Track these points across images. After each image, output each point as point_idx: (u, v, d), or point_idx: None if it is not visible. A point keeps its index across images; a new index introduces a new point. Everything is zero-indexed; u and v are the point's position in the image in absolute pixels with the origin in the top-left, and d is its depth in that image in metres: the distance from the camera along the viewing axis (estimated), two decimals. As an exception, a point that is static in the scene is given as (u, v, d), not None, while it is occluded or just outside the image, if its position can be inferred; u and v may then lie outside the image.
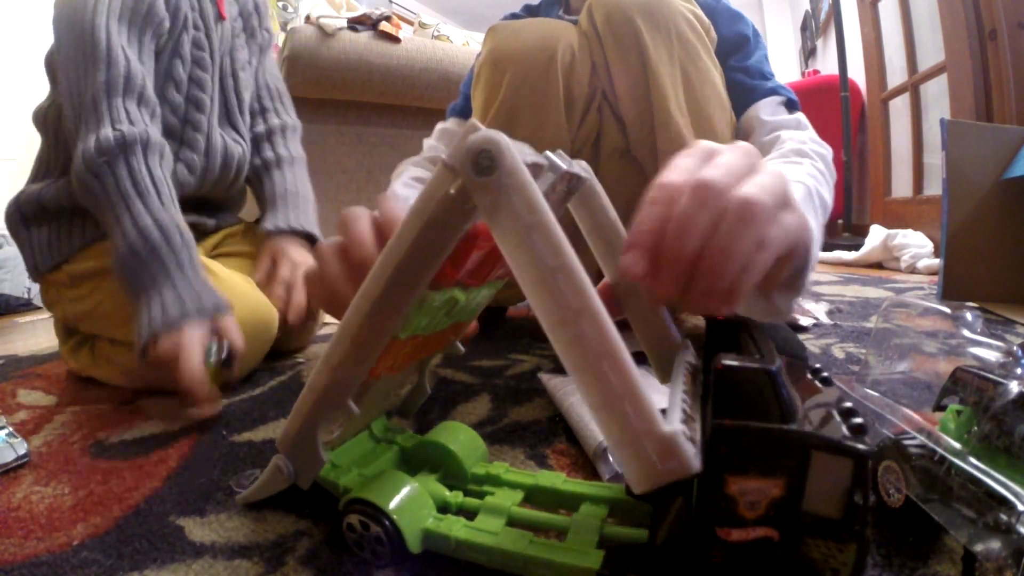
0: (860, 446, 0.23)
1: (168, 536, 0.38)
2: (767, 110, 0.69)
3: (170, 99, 0.74)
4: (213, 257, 0.86)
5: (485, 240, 0.30)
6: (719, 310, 0.26)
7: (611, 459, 0.43)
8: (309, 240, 0.85)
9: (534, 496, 0.37)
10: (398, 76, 1.53)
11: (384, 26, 1.51)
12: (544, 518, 0.35)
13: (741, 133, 0.71)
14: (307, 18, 1.50)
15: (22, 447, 0.50)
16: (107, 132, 0.62)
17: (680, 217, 0.26)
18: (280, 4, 3.36)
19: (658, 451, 0.21)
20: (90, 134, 0.63)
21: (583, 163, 0.35)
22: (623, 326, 0.75)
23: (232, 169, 0.83)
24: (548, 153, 0.30)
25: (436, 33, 1.79)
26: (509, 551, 0.31)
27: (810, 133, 0.64)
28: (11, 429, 0.51)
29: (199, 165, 0.78)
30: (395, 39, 1.52)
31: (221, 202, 0.90)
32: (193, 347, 0.56)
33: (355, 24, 1.50)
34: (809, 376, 0.31)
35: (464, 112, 0.86)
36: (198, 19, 0.77)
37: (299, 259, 0.81)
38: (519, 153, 0.24)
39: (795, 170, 0.53)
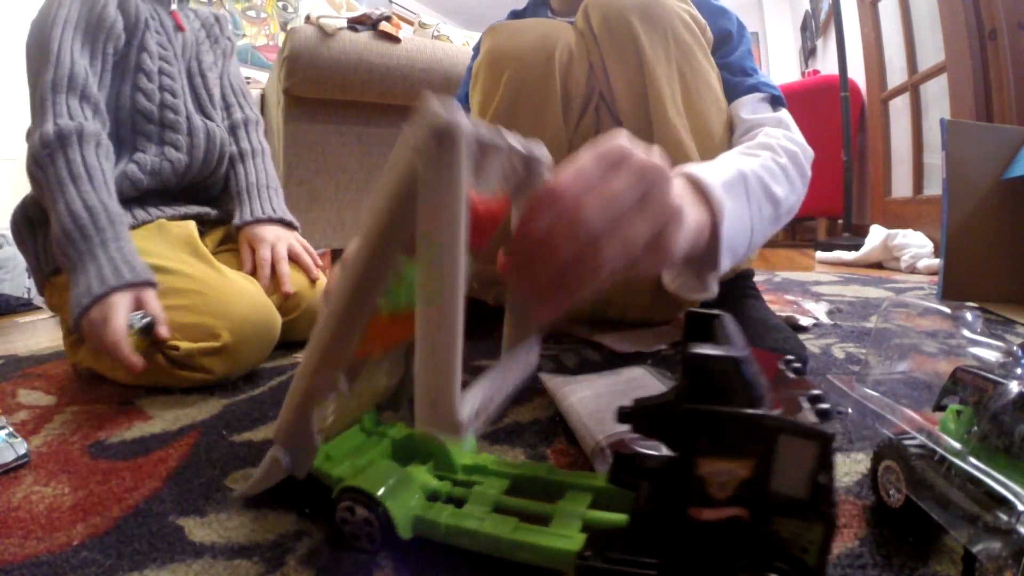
0: (824, 429, 0.24)
1: (168, 536, 0.38)
2: (747, 108, 0.68)
3: (143, 87, 0.81)
4: (220, 252, 0.89)
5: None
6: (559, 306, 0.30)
7: (609, 456, 0.43)
8: (282, 224, 0.90)
9: (520, 485, 0.39)
10: (398, 76, 1.53)
11: (384, 26, 1.51)
12: (529, 505, 0.36)
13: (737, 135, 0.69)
14: (307, 18, 1.50)
15: (22, 447, 0.50)
16: (48, 127, 0.69)
17: (548, 250, 0.29)
18: (280, 4, 3.37)
19: (443, 424, 0.26)
20: (36, 129, 0.70)
21: (542, 147, 0.36)
22: (622, 325, 0.74)
23: (216, 148, 0.89)
24: (501, 129, 0.31)
25: (436, 33, 1.79)
26: (495, 535, 0.32)
27: (787, 131, 0.62)
28: (11, 429, 0.51)
29: (184, 144, 0.84)
30: (395, 39, 1.52)
31: (212, 189, 0.94)
32: (115, 315, 0.61)
33: (355, 24, 1.50)
34: (782, 366, 0.32)
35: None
36: (159, 26, 0.86)
37: (273, 237, 0.86)
38: (473, 130, 0.26)
39: (744, 160, 0.51)
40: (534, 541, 0.31)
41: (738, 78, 0.70)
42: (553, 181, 0.29)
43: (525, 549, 0.31)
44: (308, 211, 1.55)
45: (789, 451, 0.25)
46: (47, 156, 0.68)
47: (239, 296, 0.71)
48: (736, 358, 0.26)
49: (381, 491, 0.34)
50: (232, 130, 0.95)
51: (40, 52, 0.74)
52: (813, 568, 0.25)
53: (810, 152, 0.60)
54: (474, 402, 0.28)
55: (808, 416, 0.26)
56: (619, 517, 0.33)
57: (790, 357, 0.33)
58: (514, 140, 0.32)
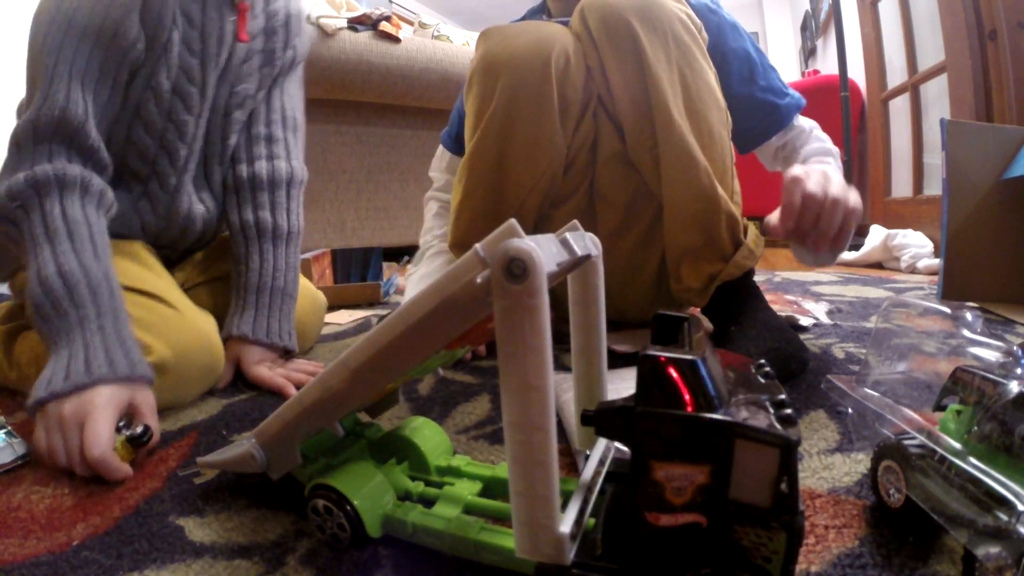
0: (786, 435, 0.23)
1: (168, 536, 0.38)
2: (805, 122, 0.81)
3: (138, 141, 0.64)
4: (205, 283, 0.79)
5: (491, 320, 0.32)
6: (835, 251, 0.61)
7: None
8: (276, 351, 0.71)
9: (492, 487, 0.39)
10: (398, 76, 1.53)
11: (384, 26, 1.51)
12: (498, 507, 0.37)
13: (788, 141, 0.81)
14: (307, 18, 1.50)
15: (22, 447, 0.50)
16: (19, 176, 0.54)
17: (824, 215, 0.57)
18: (280, 4, 3.37)
19: (547, 543, 0.26)
20: (5, 177, 0.56)
21: (595, 238, 0.36)
22: (622, 326, 0.75)
23: (193, 234, 0.73)
24: (568, 236, 0.31)
25: (436, 33, 1.79)
26: (460, 536, 0.33)
27: (823, 133, 0.81)
28: (11, 429, 0.51)
29: (153, 225, 0.69)
30: (395, 39, 1.52)
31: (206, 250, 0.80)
32: (100, 418, 0.46)
33: (355, 24, 1.50)
34: (752, 370, 0.32)
35: (458, 140, 0.84)
36: (195, 40, 0.62)
37: (259, 376, 0.67)
38: (548, 259, 0.26)
39: (834, 168, 0.72)
40: (497, 543, 0.32)
41: (785, 100, 0.79)
42: (805, 190, 0.56)
43: (488, 550, 0.32)
44: (308, 211, 1.54)
45: (748, 457, 0.24)
46: (18, 209, 0.54)
47: (180, 318, 0.62)
48: (691, 361, 0.25)
49: (351, 489, 0.35)
50: (269, 187, 0.72)
51: (33, 66, 0.57)
52: None
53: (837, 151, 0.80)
54: (571, 516, 0.28)
55: (770, 421, 0.25)
56: (587, 521, 0.33)
57: (762, 361, 0.32)
58: (575, 243, 0.31)
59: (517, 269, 0.24)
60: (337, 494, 0.35)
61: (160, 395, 0.57)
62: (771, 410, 0.26)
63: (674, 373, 0.25)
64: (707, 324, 0.75)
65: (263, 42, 0.69)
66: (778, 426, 0.24)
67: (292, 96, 0.76)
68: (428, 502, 0.37)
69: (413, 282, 0.86)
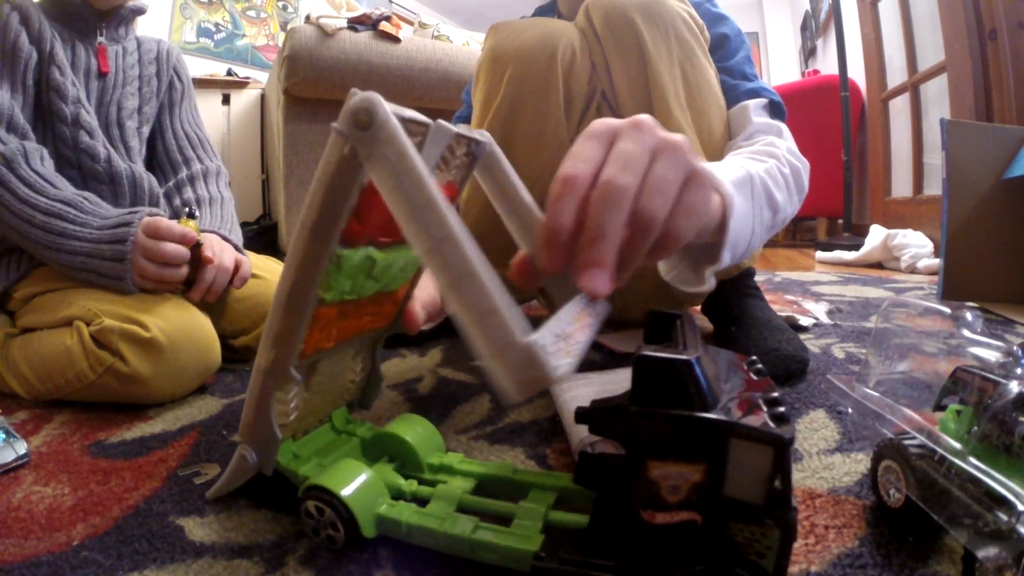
0: (781, 434, 0.24)
1: (168, 536, 0.38)
2: (749, 111, 0.68)
3: (59, 132, 0.75)
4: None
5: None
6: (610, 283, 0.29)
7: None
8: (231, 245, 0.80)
9: (486, 484, 0.39)
10: (398, 76, 1.53)
11: (384, 26, 1.51)
12: (492, 504, 0.37)
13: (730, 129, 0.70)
14: (307, 18, 1.50)
15: (22, 447, 0.50)
16: None
17: (591, 222, 0.28)
18: (280, 4, 3.36)
19: (518, 361, 0.22)
20: None
21: (483, 131, 0.37)
22: (623, 326, 0.74)
23: (146, 196, 0.81)
24: (440, 120, 0.32)
25: (436, 33, 1.79)
26: (455, 535, 0.32)
27: (790, 144, 0.63)
28: (11, 429, 0.51)
29: (107, 193, 0.77)
30: (395, 39, 1.52)
31: None
32: (161, 221, 0.66)
33: (355, 24, 1.50)
34: (744, 367, 0.32)
35: (469, 121, 0.86)
36: (72, 62, 0.77)
37: (217, 245, 0.75)
38: (394, 110, 0.27)
39: (751, 163, 0.52)
40: (492, 541, 0.32)
41: (738, 81, 0.71)
42: (563, 168, 0.29)
43: (484, 549, 0.32)
44: (308, 211, 1.55)
45: (743, 455, 0.24)
46: None
47: (169, 300, 0.67)
48: (686, 360, 0.25)
49: (344, 490, 0.34)
50: (190, 180, 0.88)
51: None
52: (771, 573, 0.25)
53: (808, 165, 0.61)
54: (546, 332, 0.24)
55: (764, 420, 0.25)
56: (581, 518, 0.33)
57: (754, 358, 0.32)
58: (446, 123, 0.33)
59: (363, 116, 0.26)
60: (329, 494, 0.34)
61: (157, 383, 0.61)
62: (765, 408, 0.26)
63: (669, 372, 0.25)
64: (706, 323, 0.76)
65: (138, 70, 0.86)
66: (772, 424, 0.24)
67: (188, 121, 0.93)
68: (421, 501, 0.37)
69: None
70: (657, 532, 0.26)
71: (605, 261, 0.27)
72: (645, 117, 0.31)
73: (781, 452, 0.24)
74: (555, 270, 0.29)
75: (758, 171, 0.50)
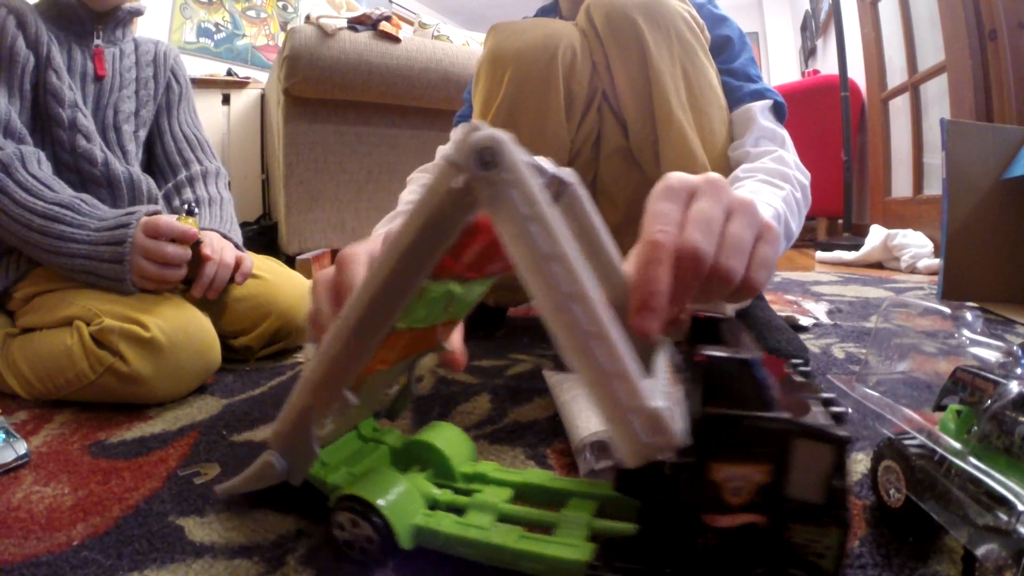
0: (840, 432, 0.24)
1: (168, 536, 0.38)
2: (756, 113, 0.68)
3: (57, 137, 0.75)
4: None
5: (484, 234, 0.31)
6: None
7: (588, 457, 0.43)
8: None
9: (523, 493, 0.38)
10: (398, 76, 1.53)
11: (384, 26, 1.51)
12: (533, 514, 0.35)
13: (732, 130, 0.70)
14: (307, 18, 1.50)
15: (22, 447, 0.50)
16: None
17: (678, 287, 0.29)
18: (280, 4, 3.36)
19: (645, 426, 0.22)
20: None
21: (569, 170, 0.36)
22: (626, 325, 0.73)
23: (144, 196, 0.81)
24: (537, 158, 0.31)
25: (436, 33, 1.79)
26: (499, 545, 0.31)
27: (795, 156, 0.64)
28: (11, 429, 0.51)
29: (107, 196, 0.77)
30: (395, 39, 1.52)
31: None
32: (160, 218, 0.66)
33: (355, 24, 1.50)
34: (788, 369, 0.31)
35: (470, 120, 0.86)
36: (68, 66, 0.77)
37: (217, 242, 0.75)
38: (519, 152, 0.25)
39: (773, 194, 0.54)
40: (541, 551, 0.30)
41: (742, 83, 0.71)
42: (647, 231, 0.31)
43: (531, 559, 0.31)
44: (308, 211, 1.55)
45: (805, 455, 0.24)
46: None
47: (169, 300, 0.68)
48: (749, 361, 0.25)
49: (381, 500, 0.33)
50: (189, 182, 0.87)
51: None
52: (830, 573, 0.25)
53: (810, 178, 0.63)
54: (661, 395, 0.24)
55: (819, 419, 0.25)
56: (626, 526, 0.32)
57: (796, 360, 0.32)
58: (543, 162, 0.31)
59: (488, 156, 0.24)
60: (363, 504, 0.33)
61: (157, 383, 0.61)
62: (819, 407, 0.26)
63: (736, 374, 0.25)
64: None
65: (135, 73, 0.85)
66: (830, 424, 0.24)
67: (187, 123, 0.93)
68: (457, 510, 0.36)
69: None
70: (719, 536, 0.26)
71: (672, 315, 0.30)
72: (718, 176, 0.33)
73: (841, 451, 0.24)
74: (651, 334, 0.28)
75: (782, 207, 0.52)
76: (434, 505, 0.37)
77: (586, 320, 0.22)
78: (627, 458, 0.22)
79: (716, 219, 0.31)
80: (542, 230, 0.23)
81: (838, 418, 0.25)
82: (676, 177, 0.33)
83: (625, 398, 0.22)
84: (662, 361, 0.30)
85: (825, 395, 0.27)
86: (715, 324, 0.34)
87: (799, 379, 0.30)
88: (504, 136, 0.24)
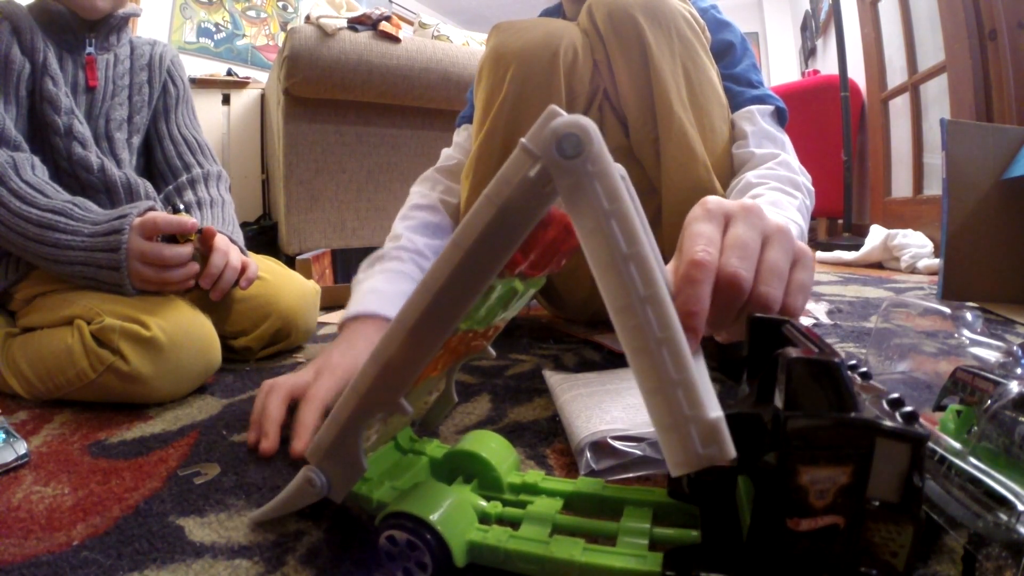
0: (919, 431, 0.24)
1: (168, 536, 0.38)
2: (758, 118, 0.69)
3: (54, 144, 0.75)
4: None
5: (554, 228, 0.30)
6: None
7: (588, 457, 0.43)
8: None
9: (574, 503, 0.36)
10: (398, 76, 1.53)
11: (384, 26, 1.51)
12: (591, 524, 0.34)
13: (732, 133, 0.71)
14: (307, 18, 1.50)
15: (22, 447, 0.50)
16: None
17: (717, 313, 0.30)
18: (280, 4, 3.37)
19: (702, 436, 0.21)
20: None
21: (620, 166, 0.35)
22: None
23: (143, 200, 0.79)
24: None
25: (436, 33, 1.79)
26: (563, 559, 0.30)
27: (796, 160, 0.66)
28: (11, 429, 0.51)
29: (105, 202, 0.77)
30: (395, 39, 1.52)
31: None
32: (158, 216, 0.66)
33: (355, 24, 1.50)
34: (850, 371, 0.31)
35: (472, 120, 0.85)
36: (61, 76, 0.77)
37: (223, 244, 0.75)
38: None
39: (790, 204, 0.57)
40: (607, 563, 0.29)
41: (744, 88, 0.72)
42: (688, 250, 0.31)
43: (596, 572, 0.29)
44: (308, 211, 1.55)
45: (885, 454, 0.24)
46: None
47: (170, 300, 0.67)
48: (836, 362, 0.25)
49: (433, 516, 0.31)
50: (190, 184, 0.86)
51: None
52: (903, 572, 0.24)
53: (811, 180, 0.65)
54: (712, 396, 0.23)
55: (897, 418, 0.25)
56: (686, 533, 0.32)
57: (854, 361, 0.32)
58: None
59: (570, 145, 0.23)
60: (415, 521, 0.31)
61: (157, 382, 0.61)
62: (888, 407, 0.26)
63: (822, 376, 0.25)
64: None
65: (128, 79, 0.85)
66: (907, 423, 0.25)
67: (186, 125, 0.92)
68: (509, 523, 0.34)
69: (361, 293, 0.64)
70: (800, 539, 0.25)
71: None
72: (753, 203, 0.34)
73: (919, 449, 0.24)
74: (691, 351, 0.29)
75: (800, 219, 0.54)
76: (484, 519, 0.35)
77: (659, 326, 0.22)
78: (675, 467, 0.22)
79: (753, 245, 0.31)
80: (623, 227, 0.22)
81: (910, 417, 0.25)
82: (714, 201, 0.34)
83: (687, 407, 0.22)
84: (703, 368, 0.29)
85: (893, 395, 0.27)
86: (774, 325, 0.33)
87: (858, 379, 0.29)
88: (591, 123, 0.23)
